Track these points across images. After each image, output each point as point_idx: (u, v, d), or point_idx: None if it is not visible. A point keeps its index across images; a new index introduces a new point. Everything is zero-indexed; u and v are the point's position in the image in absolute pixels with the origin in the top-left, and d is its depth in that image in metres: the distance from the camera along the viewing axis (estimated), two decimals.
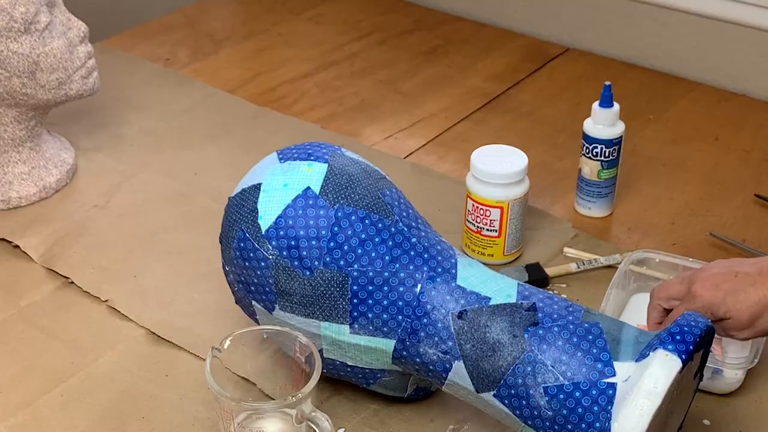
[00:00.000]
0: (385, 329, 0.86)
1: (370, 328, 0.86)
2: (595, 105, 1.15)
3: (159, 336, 1.00)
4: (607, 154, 1.15)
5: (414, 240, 0.88)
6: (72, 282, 1.07)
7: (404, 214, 0.89)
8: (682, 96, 1.43)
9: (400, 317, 0.86)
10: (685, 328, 0.78)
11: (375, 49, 1.56)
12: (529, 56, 1.54)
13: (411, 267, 0.86)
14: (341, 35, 1.60)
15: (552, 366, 0.80)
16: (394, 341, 0.86)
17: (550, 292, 0.93)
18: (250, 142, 1.31)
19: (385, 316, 0.86)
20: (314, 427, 0.84)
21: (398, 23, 1.64)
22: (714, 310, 0.86)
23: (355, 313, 0.86)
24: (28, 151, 1.18)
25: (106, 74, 1.34)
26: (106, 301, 1.04)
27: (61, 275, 1.08)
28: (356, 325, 0.86)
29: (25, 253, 1.11)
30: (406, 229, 0.88)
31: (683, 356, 0.76)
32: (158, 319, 1.02)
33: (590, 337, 0.81)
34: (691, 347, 0.77)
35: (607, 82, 1.14)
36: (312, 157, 0.90)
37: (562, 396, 0.80)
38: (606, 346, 0.80)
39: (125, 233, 1.15)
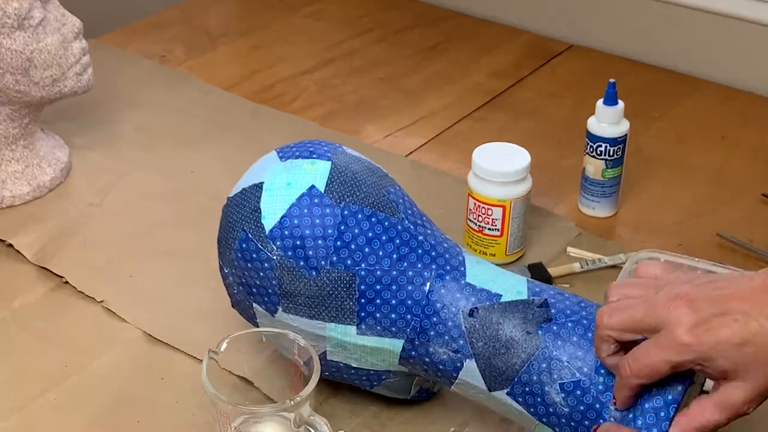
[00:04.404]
0: (394, 329, 0.85)
1: (378, 328, 0.85)
2: (599, 103, 1.14)
3: (155, 338, 0.99)
4: (611, 153, 1.14)
5: (421, 238, 0.87)
6: (66, 282, 1.06)
7: (409, 212, 0.88)
8: (688, 94, 1.43)
9: (408, 316, 0.84)
10: None
11: (375, 46, 1.56)
12: (531, 53, 1.53)
13: (419, 265, 0.85)
14: (340, 32, 1.60)
15: (568, 362, 0.80)
16: (403, 341, 0.85)
17: (560, 288, 0.91)
18: (247, 141, 1.30)
19: (393, 315, 0.85)
20: (312, 430, 0.83)
21: (398, 19, 1.63)
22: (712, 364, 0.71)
23: (363, 314, 0.85)
24: (21, 149, 1.18)
25: (100, 71, 1.33)
26: (101, 301, 1.03)
27: (55, 276, 1.07)
28: (363, 326, 0.85)
29: (18, 253, 1.10)
30: (412, 227, 0.87)
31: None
32: (154, 321, 1.01)
33: None
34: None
35: (612, 80, 1.14)
36: (314, 155, 0.89)
37: (579, 392, 0.79)
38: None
39: (120, 232, 1.14)
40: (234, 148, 1.28)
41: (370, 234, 0.85)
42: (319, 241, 0.85)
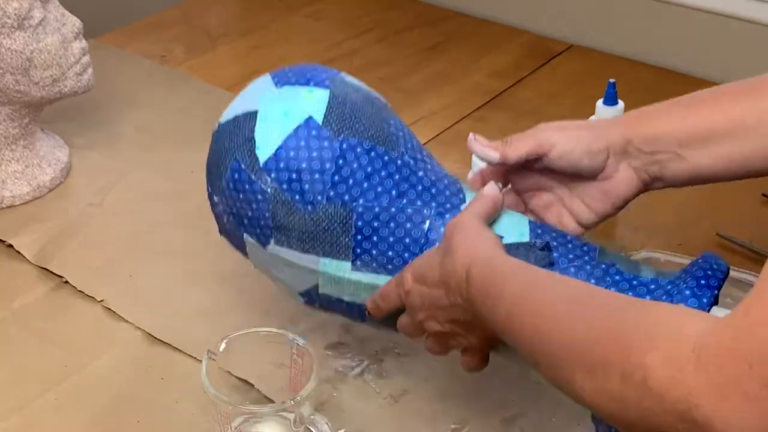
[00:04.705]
0: (390, 266, 0.83)
1: (374, 265, 0.83)
2: (599, 103, 1.14)
3: (155, 338, 0.99)
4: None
5: (421, 173, 0.84)
6: (66, 282, 1.06)
7: (409, 145, 0.86)
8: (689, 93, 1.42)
9: (406, 254, 0.83)
10: (709, 272, 0.76)
11: (375, 46, 1.55)
12: (531, 53, 1.53)
13: (419, 202, 0.83)
14: (340, 32, 1.59)
15: None
16: None
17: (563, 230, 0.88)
18: None
19: (390, 253, 0.83)
20: (313, 430, 0.83)
21: (398, 19, 1.63)
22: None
23: (359, 250, 0.83)
24: (21, 149, 1.17)
25: (100, 71, 1.33)
26: (101, 301, 1.03)
27: (55, 276, 1.07)
28: (359, 262, 0.83)
29: (18, 253, 1.10)
30: (412, 161, 0.84)
31: (708, 303, 0.75)
32: (154, 321, 1.01)
33: (608, 278, 0.79)
34: (716, 291, 0.75)
35: (612, 80, 1.13)
36: (312, 82, 0.85)
37: None
38: (629, 280, 0.78)
39: (120, 232, 1.14)
40: None
41: (369, 169, 0.83)
42: (316, 176, 0.82)
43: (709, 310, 0.75)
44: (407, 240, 0.83)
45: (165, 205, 1.18)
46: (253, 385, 0.92)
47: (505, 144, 0.88)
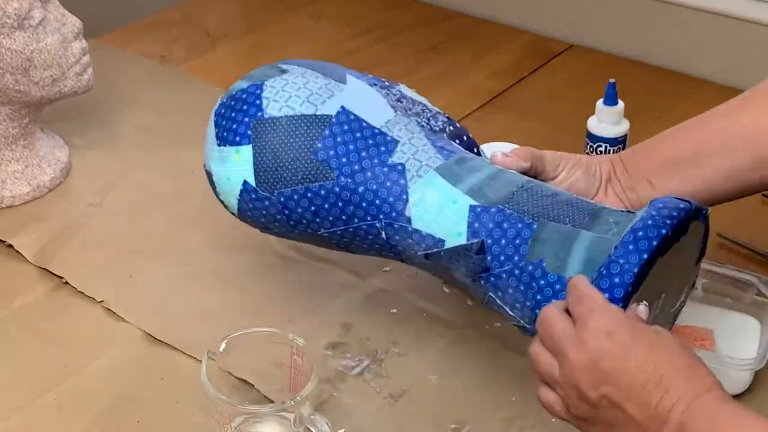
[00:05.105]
0: (382, 256, 0.92)
1: (369, 254, 0.93)
2: (599, 103, 1.14)
3: (155, 338, 0.99)
4: (611, 153, 1.13)
5: (361, 189, 0.88)
6: (66, 282, 1.06)
7: (343, 160, 0.88)
8: (689, 94, 1.42)
9: (383, 253, 0.91)
10: (638, 243, 0.76)
11: (375, 46, 1.55)
12: (531, 53, 1.53)
13: (368, 218, 0.88)
14: (340, 32, 1.59)
15: (511, 311, 0.82)
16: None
17: (512, 191, 0.86)
18: None
19: (372, 252, 0.91)
20: (313, 430, 0.83)
21: (399, 19, 1.63)
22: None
23: (350, 251, 0.93)
24: (21, 149, 1.17)
25: (100, 71, 1.33)
26: (101, 301, 1.03)
27: (55, 276, 1.07)
28: (358, 253, 0.93)
29: (18, 253, 1.09)
30: (350, 180, 0.88)
31: (625, 293, 0.75)
32: (154, 321, 1.01)
33: (534, 284, 0.80)
34: (648, 254, 0.75)
35: (612, 80, 1.13)
36: (237, 136, 0.90)
37: (530, 334, 0.81)
38: (551, 289, 0.79)
39: (120, 232, 1.14)
40: None
41: (313, 208, 0.89)
42: (276, 224, 0.91)
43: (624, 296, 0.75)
44: (377, 245, 0.90)
45: (165, 205, 1.18)
46: (253, 385, 0.92)
47: (514, 153, 0.91)
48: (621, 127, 1.14)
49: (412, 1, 1.69)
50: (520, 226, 0.82)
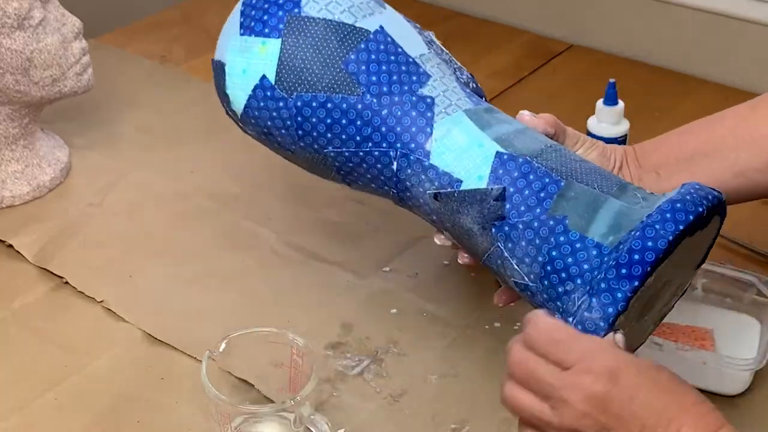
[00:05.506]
0: (379, 192, 0.89)
1: (365, 189, 0.89)
2: (599, 103, 1.14)
3: (155, 338, 0.99)
4: None
5: (385, 112, 0.85)
6: (66, 282, 1.06)
7: (373, 77, 0.86)
8: (689, 94, 1.42)
9: (386, 187, 0.87)
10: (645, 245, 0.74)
11: None
12: (531, 53, 1.53)
13: (384, 144, 0.85)
14: None
15: (517, 266, 0.80)
16: (391, 199, 0.89)
17: (541, 148, 0.84)
18: (246, 140, 1.28)
19: (373, 185, 0.88)
20: (313, 430, 0.83)
21: None
22: None
23: (347, 180, 0.89)
24: (21, 149, 1.17)
25: (100, 71, 1.33)
26: (101, 301, 1.03)
27: (55, 276, 1.06)
28: (353, 186, 0.91)
29: (18, 253, 1.09)
30: (375, 101, 0.86)
31: (631, 293, 0.74)
32: (154, 321, 1.01)
33: (552, 239, 0.78)
34: (636, 284, 0.74)
35: (612, 80, 1.13)
36: (267, 28, 0.87)
37: (528, 294, 0.80)
38: (570, 246, 0.77)
39: (120, 232, 1.14)
40: (233, 148, 1.28)
41: (329, 120, 0.86)
42: (282, 131, 0.87)
43: (612, 322, 0.74)
44: (382, 177, 0.87)
45: (165, 205, 1.18)
46: (253, 385, 0.92)
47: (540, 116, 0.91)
48: (621, 127, 1.14)
49: (412, 1, 1.68)
50: (547, 180, 0.80)
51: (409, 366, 0.96)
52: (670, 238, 0.73)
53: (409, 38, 0.89)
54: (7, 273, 1.07)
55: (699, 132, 0.93)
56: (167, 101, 1.38)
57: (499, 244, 0.81)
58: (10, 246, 1.10)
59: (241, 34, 0.88)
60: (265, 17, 0.87)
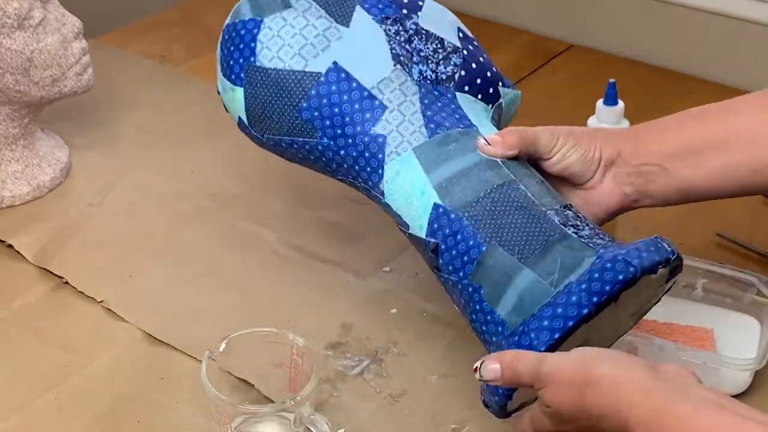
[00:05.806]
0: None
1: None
2: (599, 103, 1.14)
3: (155, 338, 0.99)
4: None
5: (342, 153, 0.89)
6: (66, 282, 1.06)
7: (327, 122, 0.89)
8: (689, 94, 1.42)
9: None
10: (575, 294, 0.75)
11: None
12: (531, 53, 1.53)
13: (350, 178, 0.91)
14: None
15: (457, 309, 0.85)
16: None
17: (479, 196, 0.84)
18: (246, 140, 1.29)
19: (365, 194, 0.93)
20: (313, 430, 0.83)
21: None
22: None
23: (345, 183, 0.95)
24: (21, 149, 1.17)
25: (100, 71, 1.33)
26: (101, 302, 1.03)
27: (55, 276, 1.06)
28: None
29: (18, 253, 1.09)
30: (332, 143, 0.89)
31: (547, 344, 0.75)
32: (154, 321, 1.01)
33: (471, 304, 0.81)
34: (560, 333, 0.75)
35: (612, 80, 1.13)
36: (233, 75, 0.92)
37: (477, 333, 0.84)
38: (484, 316, 0.80)
39: (120, 232, 1.14)
40: (233, 148, 1.28)
41: (300, 155, 0.92)
42: (272, 151, 0.96)
43: (503, 405, 0.78)
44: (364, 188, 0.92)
45: (165, 205, 1.18)
46: (253, 385, 0.92)
47: (501, 138, 0.88)
48: (621, 127, 1.13)
49: None
50: (471, 243, 0.81)
51: (409, 366, 0.96)
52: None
53: (371, 59, 0.89)
54: (7, 273, 1.07)
55: (706, 120, 0.89)
56: (167, 101, 1.38)
57: (444, 287, 0.86)
58: (10, 246, 1.10)
59: (221, 73, 0.95)
60: (231, 62, 0.93)
